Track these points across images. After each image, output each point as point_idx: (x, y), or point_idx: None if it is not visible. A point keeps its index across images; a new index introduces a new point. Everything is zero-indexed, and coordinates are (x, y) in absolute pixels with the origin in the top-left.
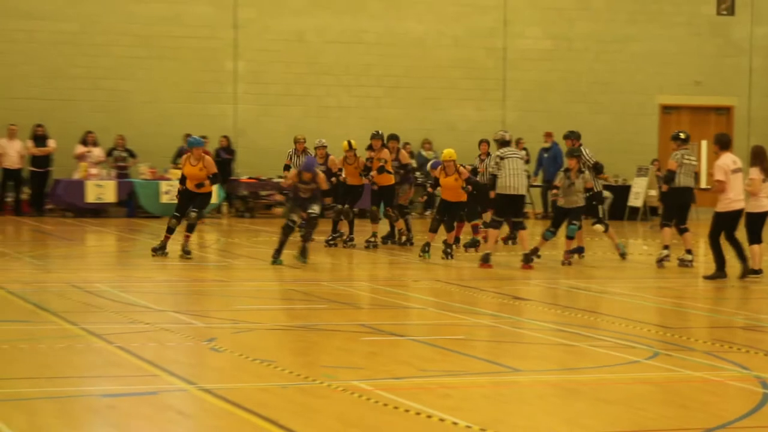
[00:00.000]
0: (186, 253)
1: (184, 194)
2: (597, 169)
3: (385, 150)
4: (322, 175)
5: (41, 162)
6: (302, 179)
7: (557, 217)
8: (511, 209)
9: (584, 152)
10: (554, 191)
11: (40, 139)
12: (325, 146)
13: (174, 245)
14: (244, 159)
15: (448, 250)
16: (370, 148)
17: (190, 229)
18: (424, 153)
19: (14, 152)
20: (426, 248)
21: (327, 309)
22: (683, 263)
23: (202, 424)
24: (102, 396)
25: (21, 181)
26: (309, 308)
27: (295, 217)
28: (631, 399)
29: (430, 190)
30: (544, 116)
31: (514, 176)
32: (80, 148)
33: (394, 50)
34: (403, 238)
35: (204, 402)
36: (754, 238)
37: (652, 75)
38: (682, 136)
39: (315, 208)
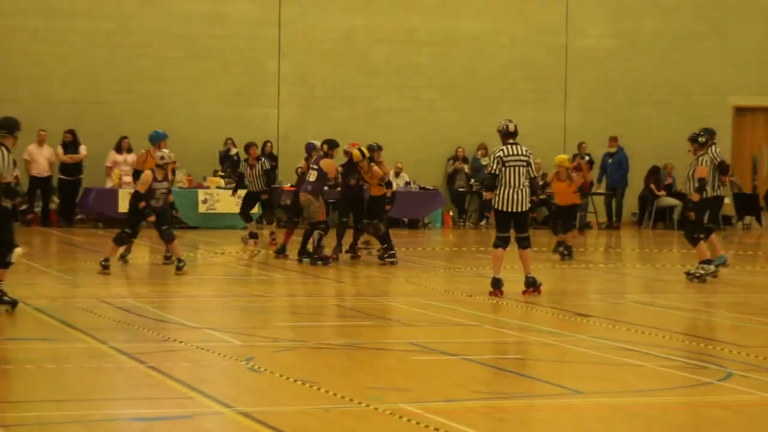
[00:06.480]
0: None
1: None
2: (722, 169)
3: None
4: None
5: (72, 170)
6: None
7: None
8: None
9: (711, 151)
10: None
11: (70, 145)
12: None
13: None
14: (287, 166)
15: (564, 251)
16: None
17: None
18: (480, 158)
19: (43, 159)
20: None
21: (373, 326)
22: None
23: None
24: (133, 420)
25: (50, 190)
26: (354, 324)
27: None
28: (701, 424)
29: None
30: (609, 119)
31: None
32: (113, 155)
33: (448, 50)
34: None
35: (241, 426)
36: None
37: (725, 75)
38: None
39: None
